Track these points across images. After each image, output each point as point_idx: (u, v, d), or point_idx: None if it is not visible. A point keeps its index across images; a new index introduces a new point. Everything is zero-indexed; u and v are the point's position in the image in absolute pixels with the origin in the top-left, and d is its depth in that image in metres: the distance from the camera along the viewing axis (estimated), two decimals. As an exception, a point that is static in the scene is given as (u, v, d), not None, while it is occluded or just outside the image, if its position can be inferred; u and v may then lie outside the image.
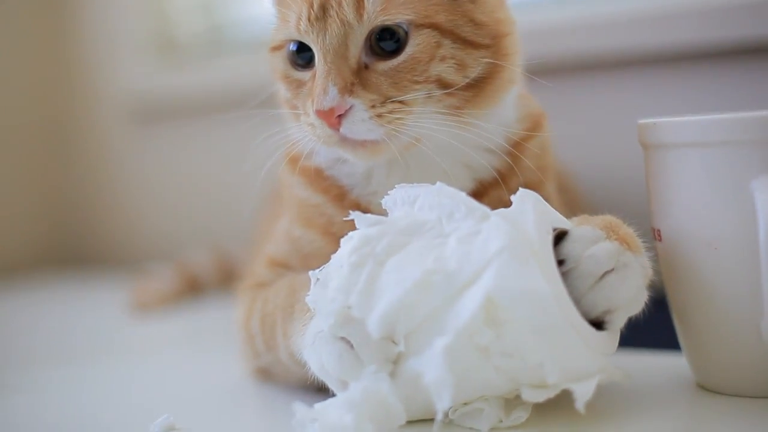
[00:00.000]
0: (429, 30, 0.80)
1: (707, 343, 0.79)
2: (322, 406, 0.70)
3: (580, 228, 0.75)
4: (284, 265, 0.90)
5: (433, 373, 0.67)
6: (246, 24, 1.82)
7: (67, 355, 1.17)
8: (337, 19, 0.79)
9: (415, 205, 0.74)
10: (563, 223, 0.76)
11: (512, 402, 0.73)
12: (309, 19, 0.80)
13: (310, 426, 0.70)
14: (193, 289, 1.50)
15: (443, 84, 0.80)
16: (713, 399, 0.79)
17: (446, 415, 0.72)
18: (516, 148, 0.85)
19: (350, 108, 0.78)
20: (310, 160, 0.88)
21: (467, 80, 0.81)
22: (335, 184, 0.87)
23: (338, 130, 0.78)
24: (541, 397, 0.71)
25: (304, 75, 0.83)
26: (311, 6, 0.80)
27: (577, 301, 0.72)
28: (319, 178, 0.87)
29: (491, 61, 0.82)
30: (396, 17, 0.79)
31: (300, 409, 0.70)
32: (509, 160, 0.84)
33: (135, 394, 0.96)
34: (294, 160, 0.89)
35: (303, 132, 0.83)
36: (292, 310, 0.80)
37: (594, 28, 1.32)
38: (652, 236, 0.81)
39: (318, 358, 0.73)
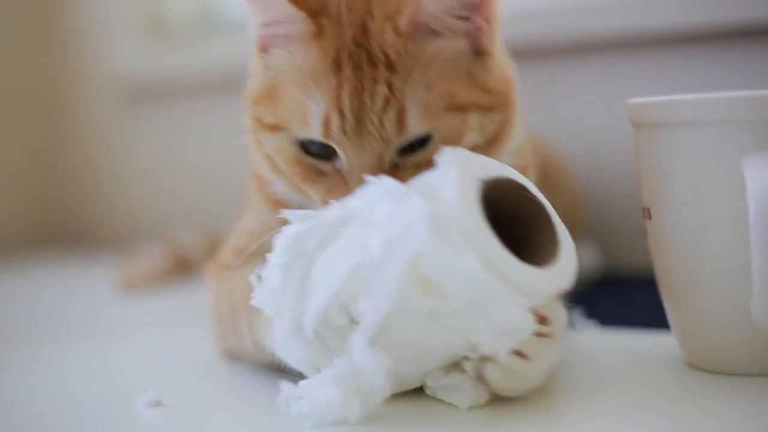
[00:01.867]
0: (453, 113, 0.77)
1: (696, 322, 0.79)
2: (308, 383, 0.70)
3: None
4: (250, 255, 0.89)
5: (360, 356, 0.67)
6: (238, 4, 1.81)
7: (56, 333, 1.17)
8: (379, 138, 0.75)
9: (357, 196, 0.73)
10: (496, 170, 0.75)
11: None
12: (343, 130, 0.75)
13: (295, 403, 0.70)
14: (183, 268, 1.50)
15: (482, 150, 0.78)
16: (702, 377, 0.79)
17: (428, 386, 0.73)
18: None
19: None
20: (273, 189, 0.87)
21: (486, 141, 0.79)
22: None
23: None
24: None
25: (324, 167, 0.78)
26: (341, 113, 0.75)
27: None
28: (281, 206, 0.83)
29: (504, 116, 0.81)
30: (433, 122, 0.76)
31: (286, 387, 0.70)
32: None
33: (123, 371, 0.96)
34: (258, 179, 0.89)
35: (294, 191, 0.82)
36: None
37: (586, 10, 1.32)
38: (642, 215, 0.81)
39: (289, 352, 0.73)
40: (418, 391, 0.75)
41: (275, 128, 0.80)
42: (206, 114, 1.77)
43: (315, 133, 0.76)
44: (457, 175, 0.71)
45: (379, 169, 0.76)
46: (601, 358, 0.88)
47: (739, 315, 0.75)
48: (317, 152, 0.78)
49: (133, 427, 0.77)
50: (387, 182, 0.72)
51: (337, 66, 0.76)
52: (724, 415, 0.69)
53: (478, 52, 0.80)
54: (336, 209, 0.72)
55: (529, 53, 1.38)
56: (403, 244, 0.67)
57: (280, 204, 0.84)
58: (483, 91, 0.79)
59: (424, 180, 0.72)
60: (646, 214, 0.81)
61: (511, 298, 0.68)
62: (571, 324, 0.96)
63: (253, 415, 0.77)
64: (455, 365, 0.73)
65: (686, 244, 0.77)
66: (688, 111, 0.76)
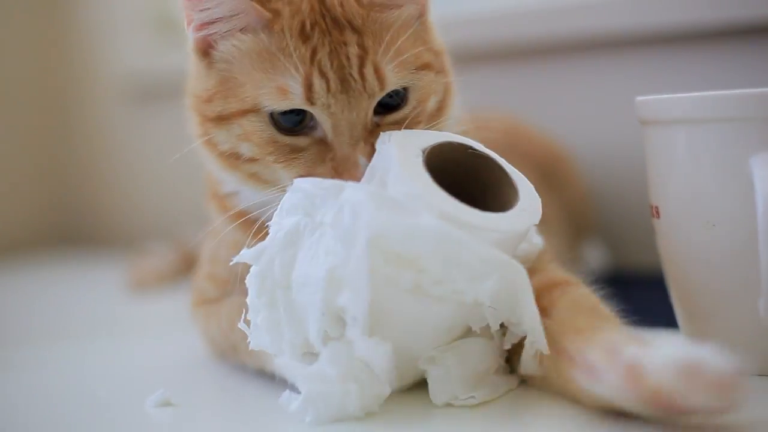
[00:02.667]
0: (424, 72, 0.81)
1: (705, 321, 0.79)
2: (308, 375, 0.70)
3: None
4: (226, 282, 0.90)
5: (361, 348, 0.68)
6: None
7: (65, 333, 1.17)
8: (364, 92, 0.77)
9: (282, 212, 0.74)
10: (435, 137, 0.77)
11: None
12: (328, 90, 0.77)
13: (295, 400, 0.70)
14: (190, 267, 1.49)
15: (430, 116, 0.82)
16: (710, 376, 0.78)
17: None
18: None
19: None
20: (233, 203, 0.87)
21: (438, 101, 0.83)
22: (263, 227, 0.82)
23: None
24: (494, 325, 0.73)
25: (300, 141, 0.79)
26: (322, 75, 0.77)
27: None
28: (247, 224, 0.83)
29: (447, 80, 0.85)
30: (406, 76, 0.80)
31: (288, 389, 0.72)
32: None
33: (131, 370, 0.96)
34: (218, 198, 0.90)
35: (264, 195, 0.81)
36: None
37: (594, 8, 1.32)
38: (651, 213, 0.81)
39: (296, 373, 0.72)
40: (418, 387, 0.75)
41: (242, 113, 0.80)
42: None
43: (296, 100, 0.77)
44: (397, 152, 0.73)
45: (363, 128, 0.78)
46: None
47: (749, 314, 0.75)
48: (290, 128, 0.79)
49: (143, 427, 0.77)
50: (304, 183, 0.73)
51: (305, 36, 0.78)
52: (733, 415, 0.69)
53: (422, 15, 0.84)
54: (278, 229, 0.73)
55: (536, 52, 1.39)
56: (357, 231, 0.68)
57: (243, 217, 0.84)
58: (432, 53, 0.84)
59: (370, 169, 0.75)
60: (654, 212, 0.81)
61: (478, 240, 0.69)
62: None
63: (261, 415, 0.77)
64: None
65: (694, 242, 0.77)
66: (696, 108, 0.76)
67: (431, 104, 0.83)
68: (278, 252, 0.72)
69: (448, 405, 0.73)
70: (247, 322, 0.75)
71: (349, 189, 0.70)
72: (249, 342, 0.75)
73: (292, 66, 0.77)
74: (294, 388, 0.72)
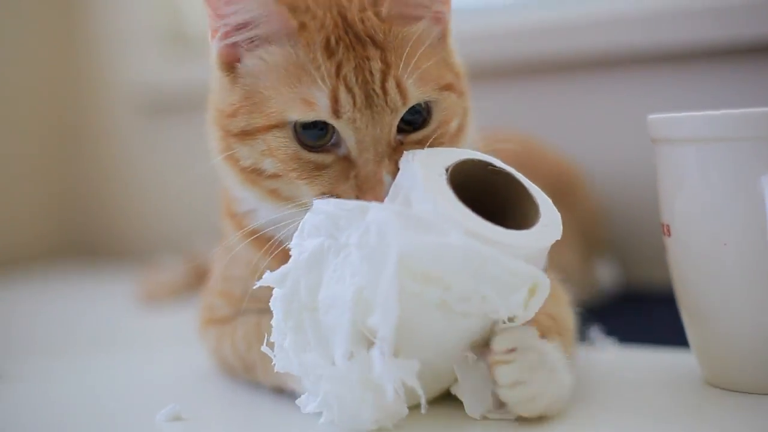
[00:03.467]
0: (447, 92, 0.82)
1: (715, 340, 0.79)
2: (324, 386, 0.70)
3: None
4: (239, 300, 0.89)
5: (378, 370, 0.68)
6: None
7: (76, 346, 1.17)
8: (387, 107, 0.78)
9: (303, 234, 0.74)
10: (457, 155, 0.78)
11: None
12: (355, 106, 0.77)
13: (312, 401, 0.71)
14: (202, 281, 1.50)
15: (451, 137, 0.83)
16: (721, 396, 0.78)
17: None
18: None
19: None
20: (248, 221, 0.87)
21: (458, 124, 0.84)
22: (277, 246, 0.82)
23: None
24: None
25: (324, 158, 0.79)
26: (348, 89, 0.77)
27: None
28: (261, 242, 0.84)
29: (467, 102, 0.86)
30: (428, 92, 0.80)
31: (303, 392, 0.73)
32: None
33: (142, 384, 0.96)
34: (232, 215, 0.90)
35: (281, 211, 0.81)
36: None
37: (606, 26, 1.32)
38: (662, 231, 0.81)
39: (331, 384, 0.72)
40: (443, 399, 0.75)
41: (267, 129, 0.80)
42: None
43: (322, 113, 0.77)
44: (422, 170, 0.74)
45: (387, 145, 0.78)
46: (620, 375, 0.88)
47: (759, 333, 0.75)
48: (313, 144, 0.79)
49: (152, 442, 0.77)
50: (328, 204, 0.73)
51: (330, 51, 0.78)
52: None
53: (443, 37, 0.85)
54: (302, 251, 0.73)
55: (549, 69, 1.39)
56: (385, 251, 0.68)
57: (256, 234, 0.84)
58: (454, 74, 0.85)
59: (394, 188, 0.75)
60: (666, 230, 0.81)
61: (505, 255, 0.69)
62: (590, 341, 0.96)
63: (271, 429, 0.77)
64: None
65: (705, 261, 0.77)
66: (707, 127, 0.76)
67: (453, 126, 0.83)
68: (303, 274, 0.72)
69: (464, 416, 0.73)
70: (270, 345, 0.75)
71: (373, 209, 0.70)
72: (274, 364, 0.74)
73: (319, 78, 0.77)
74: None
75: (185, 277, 1.49)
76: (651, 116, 0.81)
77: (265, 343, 0.75)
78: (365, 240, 0.69)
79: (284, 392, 0.81)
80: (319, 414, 0.71)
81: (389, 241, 0.67)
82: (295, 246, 0.74)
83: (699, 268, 0.78)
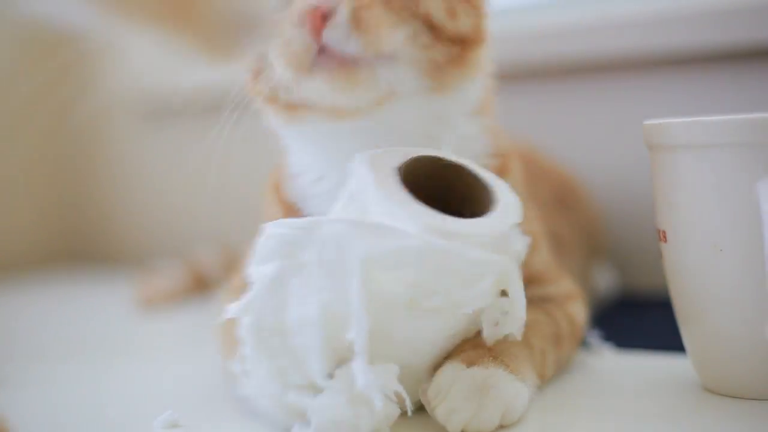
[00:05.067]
0: None
1: (711, 346, 0.79)
2: (318, 403, 0.70)
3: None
4: None
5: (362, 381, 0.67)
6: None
7: (74, 351, 1.17)
8: None
9: (259, 260, 0.73)
10: (405, 153, 0.77)
11: None
12: None
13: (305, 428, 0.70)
14: (201, 286, 1.50)
15: (430, 25, 0.78)
16: (718, 401, 0.78)
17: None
18: None
19: (336, 9, 0.74)
20: (286, 194, 0.87)
21: (454, 31, 0.79)
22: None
23: (320, 36, 0.75)
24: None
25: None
26: None
27: None
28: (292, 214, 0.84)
29: (475, 22, 0.81)
30: None
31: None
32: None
33: (140, 391, 0.96)
34: (277, 188, 0.89)
35: (273, 69, 0.81)
36: None
37: (601, 30, 1.32)
38: (658, 237, 0.81)
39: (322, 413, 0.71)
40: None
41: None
42: (225, 132, 1.77)
43: None
44: (371, 173, 0.73)
45: None
46: (617, 380, 0.88)
47: (754, 338, 0.74)
48: None
49: (149, 449, 0.77)
50: (280, 230, 0.72)
51: None
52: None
53: None
54: (255, 278, 0.72)
55: (544, 74, 1.39)
56: (345, 263, 0.67)
57: (290, 208, 0.85)
58: None
59: (346, 194, 0.75)
60: (662, 236, 0.81)
61: (466, 246, 0.69)
62: (588, 346, 0.96)
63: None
64: None
65: (701, 267, 0.77)
66: (703, 133, 0.76)
67: (429, 6, 0.78)
68: (267, 300, 0.71)
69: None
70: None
71: (326, 224, 0.70)
72: (249, 394, 0.74)
73: None
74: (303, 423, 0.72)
75: (184, 283, 1.49)
76: (646, 122, 0.81)
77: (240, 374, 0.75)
78: (324, 255, 0.68)
79: None
80: None
81: (348, 252, 0.67)
82: (252, 274, 0.73)
83: (695, 274, 0.78)
